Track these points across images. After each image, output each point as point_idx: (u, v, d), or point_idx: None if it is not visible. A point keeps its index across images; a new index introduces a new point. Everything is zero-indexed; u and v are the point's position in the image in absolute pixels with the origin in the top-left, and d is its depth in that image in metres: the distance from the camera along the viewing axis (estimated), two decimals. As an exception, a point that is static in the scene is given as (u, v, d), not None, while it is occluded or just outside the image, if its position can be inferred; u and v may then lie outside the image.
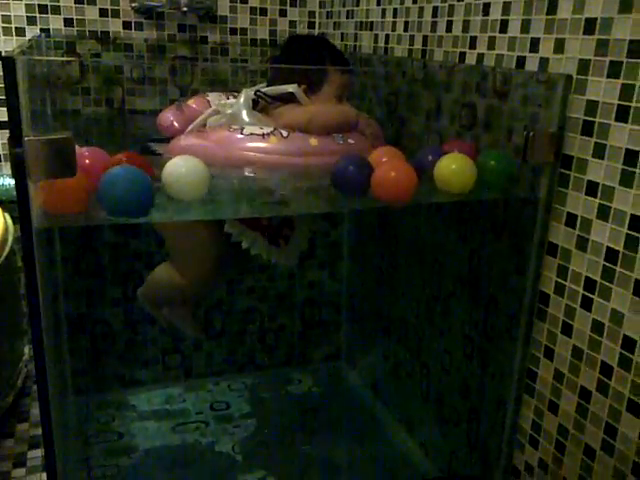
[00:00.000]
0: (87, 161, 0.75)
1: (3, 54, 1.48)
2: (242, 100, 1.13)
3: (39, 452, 1.32)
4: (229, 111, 1.11)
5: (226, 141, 1.01)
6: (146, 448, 1.35)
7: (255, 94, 1.15)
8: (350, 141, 1.07)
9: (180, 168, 0.76)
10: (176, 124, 1.20)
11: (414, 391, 1.35)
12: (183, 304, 1.35)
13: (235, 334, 1.64)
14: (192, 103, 1.24)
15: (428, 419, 1.30)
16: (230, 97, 1.26)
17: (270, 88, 1.17)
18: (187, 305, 1.36)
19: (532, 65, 0.94)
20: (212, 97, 1.26)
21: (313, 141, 1.03)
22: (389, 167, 0.85)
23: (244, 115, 1.10)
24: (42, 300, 0.66)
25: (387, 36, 1.36)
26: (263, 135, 1.01)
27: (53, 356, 0.73)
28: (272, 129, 1.02)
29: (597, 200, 0.85)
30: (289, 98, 1.15)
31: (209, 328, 1.61)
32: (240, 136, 1.01)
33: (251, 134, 1.01)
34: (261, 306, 1.65)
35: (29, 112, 0.61)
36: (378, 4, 1.39)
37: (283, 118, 1.10)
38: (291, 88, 1.14)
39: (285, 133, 1.02)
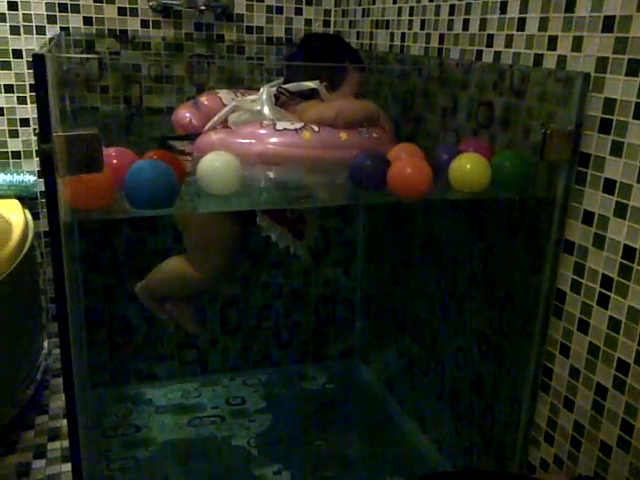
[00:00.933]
0: (115, 161, 0.76)
1: (24, 53, 1.50)
2: (264, 96, 1.14)
3: (58, 444, 1.34)
4: (257, 107, 1.12)
5: (260, 136, 1.03)
6: (163, 441, 1.37)
7: (277, 90, 1.17)
8: (374, 135, 1.10)
9: (214, 163, 0.78)
10: (194, 121, 1.22)
11: (428, 388, 1.35)
12: (186, 300, 1.33)
13: (250, 330, 1.66)
14: (204, 100, 1.26)
15: (442, 416, 1.31)
16: (239, 94, 1.28)
17: (292, 84, 1.18)
18: (190, 301, 1.34)
19: (550, 63, 0.95)
20: (223, 94, 1.27)
21: (343, 135, 1.05)
22: (405, 163, 0.86)
23: (268, 111, 1.11)
24: (69, 294, 0.67)
25: (403, 34, 1.37)
26: (296, 130, 1.03)
27: (78, 349, 0.74)
28: (303, 124, 1.04)
29: (614, 198, 0.85)
30: (309, 95, 1.17)
31: (225, 324, 1.62)
32: (274, 131, 1.03)
33: (284, 129, 1.03)
34: (276, 303, 1.66)
35: (57, 109, 0.62)
36: (394, 2, 1.39)
37: (308, 113, 1.12)
38: (314, 84, 1.17)
39: (316, 128, 1.04)
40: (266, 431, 1.42)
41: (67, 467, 1.27)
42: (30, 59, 1.51)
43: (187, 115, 1.23)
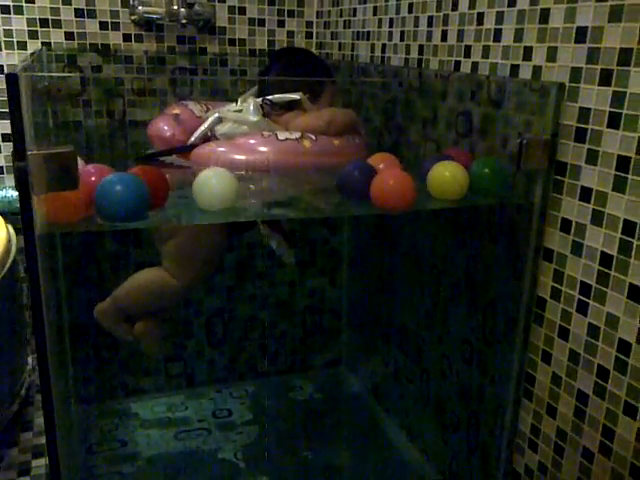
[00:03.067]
0: (93, 178, 0.76)
1: (5, 68, 1.50)
2: (252, 107, 1.16)
3: (43, 461, 1.33)
4: (253, 119, 1.15)
5: (264, 147, 1.06)
6: (149, 455, 1.36)
7: (262, 101, 1.18)
8: (357, 141, 1.17)
9: (211, 180, 0.79)
10: (177, 135, 1.22)
11: (414, 396, 1.36)
12: (156, 317, 1.28)
13: (236, 342, 1.66)
14: (175, 112, 1.26)
15: (428, 424, 1.31)
16: (205, 106, 1.30)
17: (276, 96, 1.21)
18: (158, 318, 1.29)
19: (526, 73, 0.96)
20: (192, 106, 1.28)
21: (336, 142, 1.12)
22: (388, 175, 0.87)
23: (261, 122, 1.13)
24: (45, 308, 0.67)
25: (384, 45, 1.38)
26: (297, 139, 1.08)
27: (57, 365, 0.74)
28: (300, 134, 1.09)
29: (591, 205, 0.86)
30: (290, 106, 1.20)
31: (211, 336, 1.62)
32: (277, 141, 1.06)
33: (286, 139, 1.07)
34: (262, 314, 1.66)
35: (32, 127, 0.62)
36: (375, 14, 1.41)
37: (296, 123, 1.16)
38: (297, 96, 1.20)
39: (313, 136, 1.09)
40: (253, 443, 1.42)
41: (52, 484, 1.26)
42: (12, 74, 1.51)
43: (167, 128, 1.22)
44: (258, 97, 1.21)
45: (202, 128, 1.18)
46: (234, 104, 1.23)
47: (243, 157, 1.05)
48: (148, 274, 1.23)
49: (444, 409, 1.25)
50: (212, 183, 0.78)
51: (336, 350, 1.74)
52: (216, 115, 1.19)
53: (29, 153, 0.61)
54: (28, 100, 0.60)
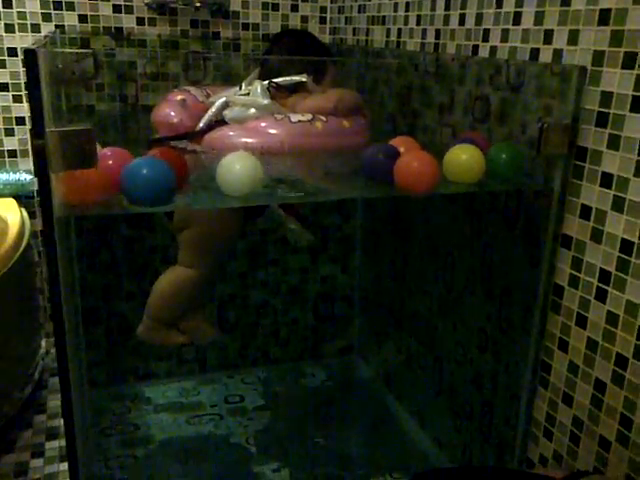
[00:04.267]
0: (110, 161, 0.75)
1: (19, 51, 1.50)
2: (259, 90, 1.15)
3: (57, 443, 1.34)
4: (265, 101, 1.14)
5: (278, 129, 1.07)
6: (162, 439, 1.36)
7: (269, 84, 1.17)
8: (362, 121, 1.18)
9: (235, 165, 0.77)
10: (185, 120, 1.20)
11: (427, 384, 1.35)
12: (196, 308, 1.28)
13: (248, 328, 1.65)
14: (178, 97, 1.23)
15: (441, 412, 1.30)
16: (205, 92, 1.28)
17: (281, 79, 1.20)
18: (200, 308, 1.29)
19: (546, 57, 0.94)
20: (194, 92, 1.26)
21: (345, 123, 1.13)
22: (412, 157, 0.86)
23: (271, 105, 1.13)
24: (63, 289, 0.67)
25: (399, 30, 1.37)
26: (309, 121, 1.08)
27: (74, 347, 0.74)
28: (312, 116, 1.09)
29: (612, 191, 0.85)
30: (295, 88, 1.20)
31: (223, 322, 1.62)
32: (290, 124, 1.07)
33: (299, 121, 1.07)
34: (274, 300, 1.66)
35: (50, 104, 0.62)
36: (390, -2, 1.39)
37: (304, 104, 1.15)
38: (303, 78, 1.20)
39: (324, 118, 1.10)
40: (265, 429, 1.42)
41: (65, 466, 1.26)
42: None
43: (174, 114, 1.20)
44: (262, 80, 1.21)
45: (209, 113, 1.17)
46: (237, 88, 1.23)
47: (257, 140, 1.04)
48: (167, 278, 1.21)
49: (457, 397, 1.24)
50: (236, 168, 0.77)
51: (348, 337, 1.73)
52: (223, 99, 1.18)
53: (48, 131, 0.61)
54: (46, 77, 0.60)
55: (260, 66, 1.29)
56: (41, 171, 0.62)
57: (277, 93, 1.19)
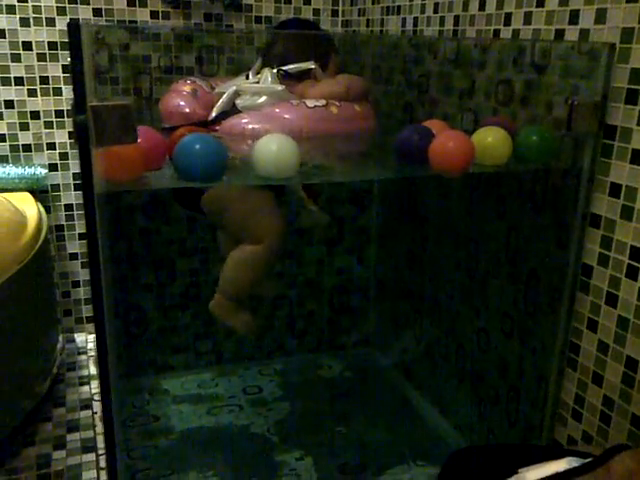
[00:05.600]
0: (139, 140, 0.75)
1: (34, 45, 1.50)
2: (270, 78, 1.17)
3: (77, 435, 1.33)
4: (279, 88, 1.15)
5: (297, 114, 1.08)
6: (183, 430, 1.36)
7: (278, 72, 1.18)
8: (369, 106, 1.22)
9: (272, 146, 0.77)
10: (198, 110, 1.19)
11: (448, 372, 1.35)
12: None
13: (265, 320, 1.65)
14: (186, 88, 1.23)
15: (464, 400, 1.30)
16: (214, 82, 1.30)
17: (291, 66, 1.22)
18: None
19: (572, 37, 0.94)
20: (199, 82, 1.27)
21: (357, 107, 1.16)
22: (447, 137, 0.86)
23: (285, 92, 1.14)
24: (104, 270, 0.67)
25: (415, 19, 1.37)
26: (324, 106, 1.10)
27: (114, 335, 0.74)
28: (326, 101, 1.11)
29: (643, 168, 0.85)
30: (302, 76, 1.22)
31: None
32: (307, 109, 1.09)
33: (315, 106, 1.09)
34: (290, 292, 1.66)
35: (92, 79, 0.62)
36: (406, -13, 1.39)
37: (315, 90, 1.17)
38: (312, 65, 1.22)
39: (338, 103, 1.12)
40: (285, 419, 1.42)
41: (88, 457, 1.26)
42: (40, 51, 1.51)
43: (184, 103, 1.19)
44: (264, 65, 1.22)
45: (221, 102, 1.17)
46: (244, 78, 1.23)
47: (276, 126, 1.05)
48: (235, 255, 1.20)
49: (481, 383, 1.24)
50: (275, 150, 0.76)
51: (365, 329, 1.73)
52: (233, 88, 1.18)
53: (89, 105, 0.61)
54: (89, 52, 0.60)
55: (262, 55, 1.29)
56: (83, 146, 0.62)
57: (285, 80, 1.20)
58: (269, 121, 1.08)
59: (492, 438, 1.22)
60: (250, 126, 1.09)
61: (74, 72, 0.59)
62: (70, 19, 1.51)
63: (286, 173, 0.77)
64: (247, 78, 1.24)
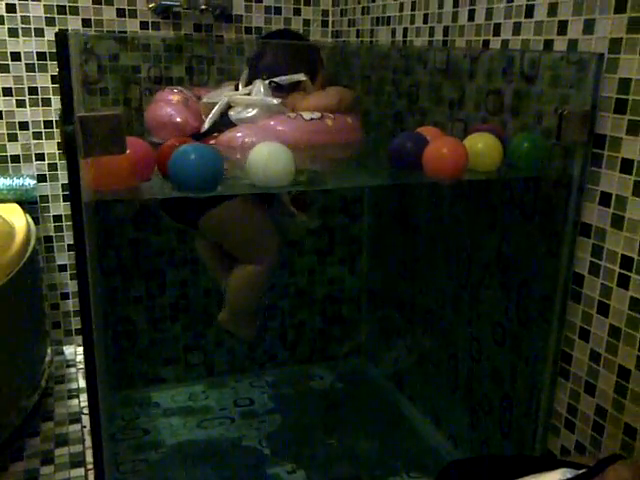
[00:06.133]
0: (128, 150, 0.75)
1: (23, 55, 1.49)
2: (262, 90, 1.16)
3: (66, 450, 1.31)
4: (274, 101, 1.15)
5: (295, 127, 1.10)
6: (173, 443, 1.35)
7: (270, 84, 1.18)
8: (358, 118, 1.23)
9: (264, 155, 0.77)
10: (191, 121, 1.17)
11: (441, 382, 1.34)
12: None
13: (256, 331, 1.64)
14: (175, 97, 1.21)
15: (457, 410, 1.30)
16: (196, 92, 1.30)
17: (282, 78, 1.21)
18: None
19: (560, 48, 0.95)
20: (186, 92, 1.26)
21: (348, 119, 1.17)
22: (441, 143, 0.86)
23: (280, 105, 1.14)
24: (92, 280, 0.66)
25: (405, 30, 1.37)
26: (320, 119, 1.11)
27: (103, 347, 0.73)
28: (321, 114, 1.12)
29: (632, 177, 0.85)
30: (293, 87, 1.22)
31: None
32: (304, 121, 1.10)
33: (311, 119, 1.10)
34: (281, 302, 1.65)
35: (80, 90, 0.61)
36: (395, -2, 1.40)
37: (307, 102, 1.18)
38: (302, 77, 1.22)
39: (332, 115, 1.13)
40: (277, 431, 1.41)
41: (76, 472, 1.24)
42: (28, 62, 1.50)
43: (174, 113, 1.17)
44: (250, 80, 1.21)
45: (213, 114, 1.16)
46: (227, 87, 1.24)
47: (275, 138, 1.04)
48: (239, 276, 1.24)
49: (474, 393, 1.23)
50: (267, 158, 0.76)
51: (356, 339, 1.72)
52: (225, 100, 1.17)
53: (77, 116, 0.60)
54: (77, 62, 0.59)
55: (249, 66, 1.28)
56: (70, 156, 0.61)
57: (276, 92, 1.19)
58: (267, 134, 1.08)
59: (486, 448, 1.22)
60: (248, 139, 1.08)
61: (62, 82, 0.59)
62: (59, 29, 1.50)
63: (281, 181, 0.77)
64: (236, 89, 1.24)
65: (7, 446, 1.29)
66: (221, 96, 1.20)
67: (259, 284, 1.25)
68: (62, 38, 0.58)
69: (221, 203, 1.13)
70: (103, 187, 0.66)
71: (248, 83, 1.22)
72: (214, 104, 1.18)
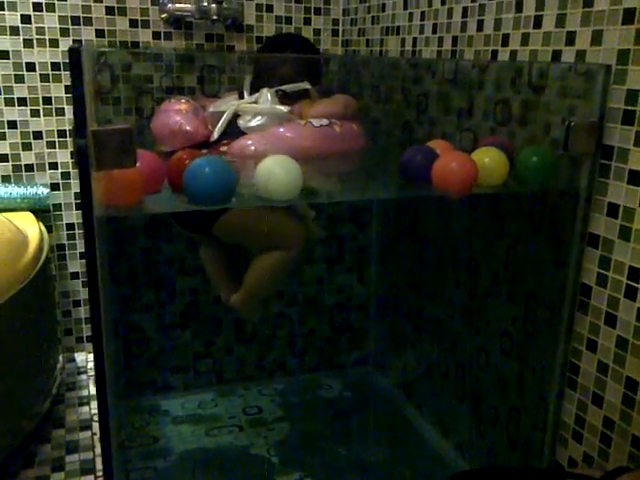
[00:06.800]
0: (138, 164, 0.75)
1: (37, 66, 1.51)
2: (269, 98, 1.18)
3: (77, 457, 1.32)
4: (284, 109, 1.16)
5: (306, 134, 1.11)
6: (182, 451, 1.35)
7: (276, 92, 1.19)
8: (361, 125, 1.24)
9: (275, 168, 0.78)
10: (202, 130, 1.18)
11: (448, 391, 1.34)
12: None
13: (265, 339, 1.65)
14: (183, 106, 1.21)
15: (464, 419, 1.29)
16: (205, 101, 1.31)
17: (288, 86, 1.23)
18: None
19: (568, 58, 0.95)
20: (192, 102, 1.25)
21: (354, 126, 1.18)
22: (450, 158, 0.86)
23: (285, 112, 1.14)
24: (102, 292, 0.67)
25: (414, 39, 1.38)
26: (329, 125, 1.13)
27: (112, 355, 0.74)
28: (328, 120, 1.14)
29: (640, 189, 0.85)
30: (298, 95, 1.24)
31: (240, 333, 1.62)
32: (315, 128, 1.11)
33: (321, 126, 1.11)
34: (290, 311, 1.66)
35: (93, 104, 0.62)
36: (405, 8, 1.41)
37: (314, 109, 1.19)
38: (307, 85, 1.24)
39: (338, 122, 1.14)
40: (285, 439, 1.41)
41: (86, 479, 1.25)
42: (43, 72, 1.52)
43: (184, 121, 1.16)
44: (254, 87, 1.23)
45: (222, 123, 1.17)
46: (232, 96, 1.25)
47: (286, 146, 1.06)
48: (263, 260, 1.25)
49: (481, 403, 1.23)
50: (279, 173, 0.77)
51: (364, 348, 1.73)
52: (232, 109, 1.18)
53: (90, 130, 0.61)
54: (89, 76, 0.61)
55: (254, 74, 1.29)
56: (83, 170, 0.62)
57: (282, 100, 1.21)
58: (278, 141, 1.10)
59: (493, 458, 1.21)
60: (260, 147, 1.09)
61: (75, 96, 0.60)
62: (73, 40, 1.53)
63: (289, 195, 0.77)
64: (240, 97, 1.24)
65: (19, 453, 1.30)
66: (227, 105, 1.21)
67: (284, 271, 1.26)
68: (75, 53, 0.59)
69: (229, 209, 1.15)
70: (114, 201, 0.67)
71: (253, 90, 1.23)
72: (220, 113, 1.19)
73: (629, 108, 0.86)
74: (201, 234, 1.33)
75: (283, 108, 1.17)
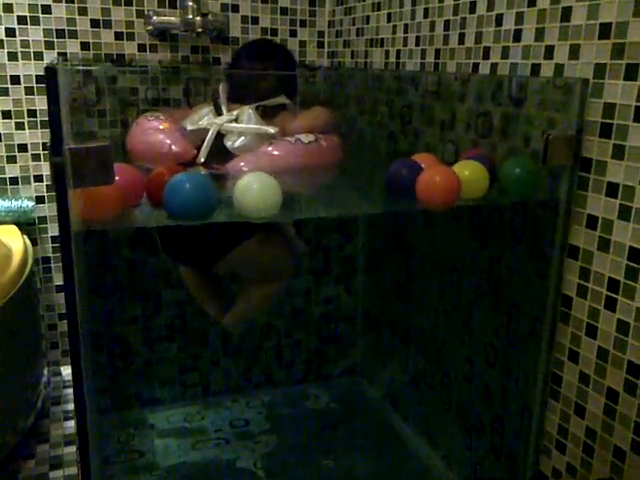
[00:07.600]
0: (117, 177, 0.75)
1: (22, 79, 1.51)
2: (253, 115, 1.16)
3: (60, 472, 1.31)
4: (272, 130, 1.14)
5: (298, 151, 1.10)
6: (168, 466, 1.34)
7: (257, 108, 1.19)
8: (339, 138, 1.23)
9: (252, 185, 0.78)
10: (190, 149, 1.14)
11: (435, 402, 1.34)
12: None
13: (252, 351, 1.64)
14: (166, 125, 1.16)
15: (450, 430, 1.30)
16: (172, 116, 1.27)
17: (267, 101, 1.22)
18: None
19: (547, 72, 0.96)
20: (165, 117, 1.21)
21: (335, 139, 1.18)
22: (434, 172, 0.87)
23: (273, 133, 1.13)
24: (79, 306, 0.67)
25: (398, 52, 1.39)
26: (316, 141, 1.12)
27: (90, 370, 0.74)
28: (314, 136, 1.13)
29: (618, 201, 0.86)
30: (276, 110, 1.23)
31: (227, 345, 1.61)
32: (304, 145, 1.11)
33: (309, 142, 1.11)
34: (277, 322, 1.65)
35: (69, 122, 0.62)
36: (388, 21, 1.42)
37: (296, 125, 1.18)
38: (285, 100, 1.24)
39: (322, 136, 1.13)
40: (272, 452, 1.40)
41: (70, 494, 1.25)
42: (28, 85, 1.52)
43: (168, 141, 1.11)
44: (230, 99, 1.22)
45: (206, 143, 1.12)
46: (205, 109, 1.19)
47: (280, 164, 1.06)
48: (260, 295, 1.31)
49: (467, 414, 1.24)
50: (255, 190, 0.77)
51: (351, 358, 1.73)
52: (215, 128, 1.14)
53: (67, 147, 0.61)
54: (66, 94, 0.61)
55: (226, 81, 1.26)
56: (59, 188, 0.62)
57: (262, 115, 1.19)
58: (272, 161, 1.08)
59: (479, 469, 1.22)
60: (256, 168, 1.05)
61: (50, 115, 0.60)
62: (58, 53, 1.53)
63: (266, 212, 0.78)
64: (217, 110, 1.20)
65: (2, 468, 1.29)
66: (203, 121, 1.16)
67: (276, 296, 1.35)
68: (51, 72, 0.59)
69: (236, 246, 1.18)
70: (92, 216, 0.67)
71: (229, 101, 1.20)
72: (201, 131, 1.14)
73: (606, 121, 0.86)
74: (198, 268, 1.35)
75: (271, 129, 1.14)
